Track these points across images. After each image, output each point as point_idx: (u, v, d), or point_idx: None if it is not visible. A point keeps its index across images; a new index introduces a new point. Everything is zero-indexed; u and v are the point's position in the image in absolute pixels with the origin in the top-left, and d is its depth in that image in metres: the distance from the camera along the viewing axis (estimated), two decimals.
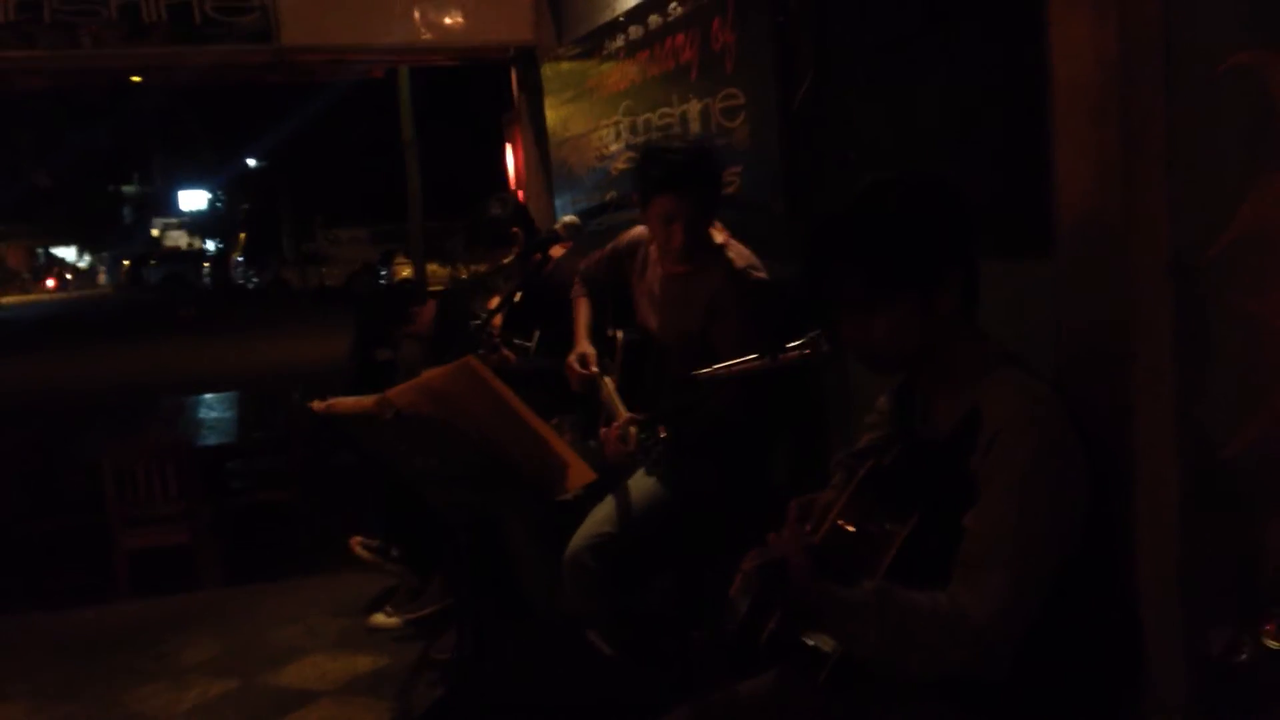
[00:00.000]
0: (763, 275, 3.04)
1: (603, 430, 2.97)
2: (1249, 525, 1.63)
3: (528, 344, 3.79)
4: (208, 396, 7.81)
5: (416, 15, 5.74)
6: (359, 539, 4.55)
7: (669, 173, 2.98)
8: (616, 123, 4.49)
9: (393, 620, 4.25)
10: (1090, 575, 1.72)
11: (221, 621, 4.51)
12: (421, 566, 4.35)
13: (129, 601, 4.87)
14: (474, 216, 4.20)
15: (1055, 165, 1.98)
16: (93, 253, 53.71)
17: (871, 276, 1.76)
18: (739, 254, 3.07)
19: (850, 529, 1.84)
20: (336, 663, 4.02)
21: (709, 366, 2.19)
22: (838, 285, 1.80)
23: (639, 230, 3.30)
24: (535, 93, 5.85)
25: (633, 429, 2.83)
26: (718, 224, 3.16)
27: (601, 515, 3.00)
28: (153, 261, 42.29)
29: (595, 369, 3.29)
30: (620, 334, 3.29)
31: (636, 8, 4.28)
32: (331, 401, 2.52)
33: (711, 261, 3.06)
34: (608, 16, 4.70)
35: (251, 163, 37.15)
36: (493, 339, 3.61)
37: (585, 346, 3.37)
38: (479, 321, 3.59)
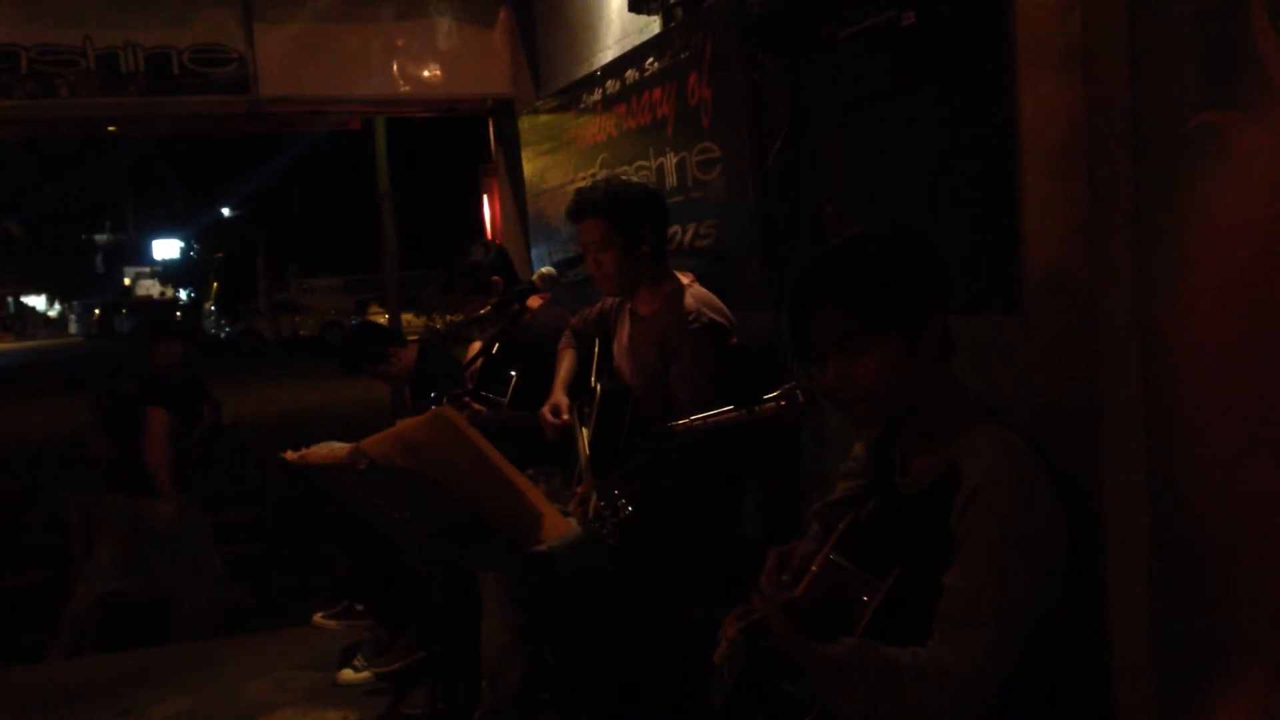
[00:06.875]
0: (716, 317, 3.04)
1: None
2: (1222, 581, 1.63)
3: (500, 399, 3.76)
4: None
5: (394, 67, 5.79)
6: (319, 615, 4.60)
7: (591, 198, 3.11)
8: (593, 175, 4.52)
9: (362, 675, 4.20)
10: (1065, 631, 1.73)
11: (190, 676, 4.42)
12: (391, 619, 4.31)
13: (95, 656, 4.78)
14: (454, 260, 4.21)
15: (1024, 222, 2.01)
16: (63, 301, 53.30)
17: (859, 315, 1.78)
18: (695, 295, 3.10)
19: (829, 584, 1.83)
20: (307, 718, 3.96)
21: (672, 411, 2.17)
22: (825, 327, 1.82)
23: None
24: (512, 144, 5.89)
25: (594, 497, 2.77)
26: (688, 274, 3.20)
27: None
28: (124, 310, 42.01)
29: (567, 418, 3.28)
30: (599, 385, 3.29)
31: (613, 62, 4.33)
32: (304, 451, 2.49)
33: (672, 301, 3.11)
34: (585, 71, 4.75)
35: (226, 211, 37.02)
36: (462, 393, 3.59)
37: (559, 397, 3.37)
38: (457, 391, 3.58)
